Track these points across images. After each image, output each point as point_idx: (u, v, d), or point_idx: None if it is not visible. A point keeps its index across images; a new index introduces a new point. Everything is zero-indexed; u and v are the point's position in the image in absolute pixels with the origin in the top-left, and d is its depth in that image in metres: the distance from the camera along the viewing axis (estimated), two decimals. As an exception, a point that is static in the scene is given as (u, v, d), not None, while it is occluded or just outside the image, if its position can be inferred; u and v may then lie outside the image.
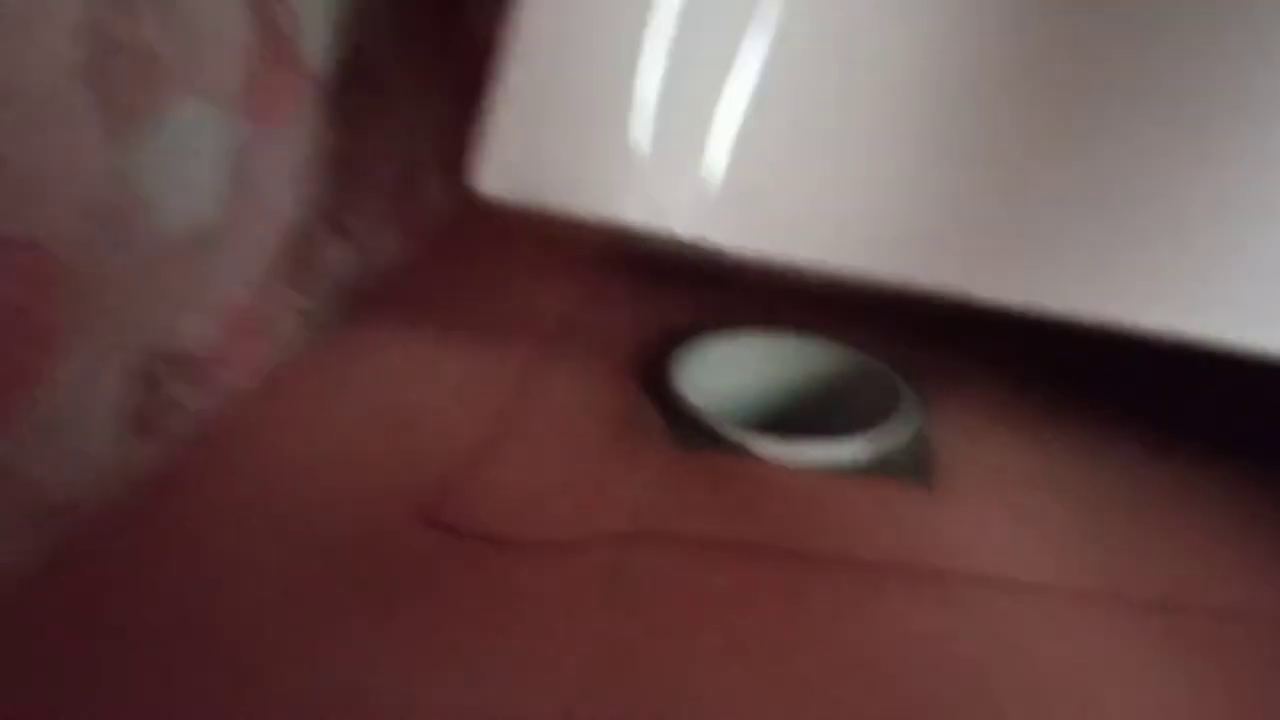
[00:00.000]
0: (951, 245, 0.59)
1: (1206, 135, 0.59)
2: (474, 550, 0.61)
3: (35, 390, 0.55)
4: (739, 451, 0.72)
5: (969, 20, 0.60)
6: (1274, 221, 0.59)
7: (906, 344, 0.87)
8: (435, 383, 0.78)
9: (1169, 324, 0.58)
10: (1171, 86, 0.60)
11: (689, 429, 0.74)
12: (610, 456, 0.71)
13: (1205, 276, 0.58)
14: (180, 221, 0.65)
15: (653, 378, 0.79)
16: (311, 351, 0.81)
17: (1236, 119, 0.59)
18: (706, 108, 0.60)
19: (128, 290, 0.62)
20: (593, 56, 0.59)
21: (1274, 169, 0.59)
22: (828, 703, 0.52)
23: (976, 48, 0.60)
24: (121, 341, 0.62)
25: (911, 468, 0.72)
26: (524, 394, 0.76)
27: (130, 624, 0.54)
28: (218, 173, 0.68)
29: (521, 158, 0.60)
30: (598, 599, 0.58)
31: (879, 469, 0.71)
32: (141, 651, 0.52)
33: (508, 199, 0.61)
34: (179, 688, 0.50)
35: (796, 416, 0.80)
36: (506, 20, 0.62)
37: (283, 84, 0.74)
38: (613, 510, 0.65)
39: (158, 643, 0.53)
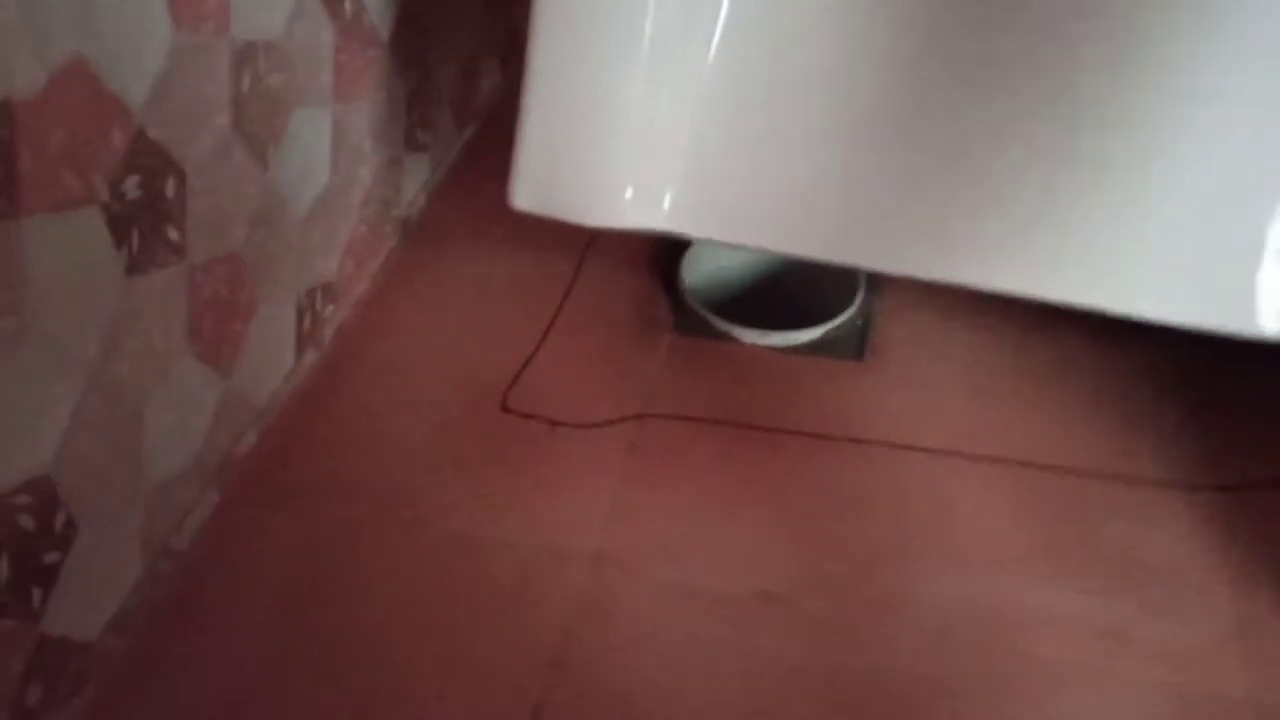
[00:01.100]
0: (873, 229, 0.80)
1: (1076, 125, 0.77)
2: (534, 429, 0.90)
3: (241, 340, 0.83)
4: (726, 337, 0.97)
5: (878, 34, 0.78)
6: (1145, 195, 0.77)
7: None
8: (501, 285, 1.04)
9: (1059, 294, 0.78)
10: (1055, 78, 0.77)
11: (690, 319, 0.99)
12: (631, 345, 0.97)
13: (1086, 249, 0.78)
14: (308, 199, 0.90)
15: (666, 278, 1.03)
16: (405, 253, 1.07)
17: (1107, 108, 0.77)
18: (673, 135, 0.80)
19: (285, 260, 0.88)
20: (590, 101, 0.79)
21: (1141, 151, 0.77)
22: (772, 540, 0.82)
23: (878, 62, 0.78)
24: (288, 293, 0.89)
25: (853, 346, 0.96)
26: (569, 295, 1.01)
27: (316, 460, 0.85)
28: (325, 152, 0.91)
29: (541, 183, 0.82)
30: (619, 465, 0.87)
31: (829, 348, 0.96)
32: (336, 464, 0.84)
33: (537, 213, 0.84)
34: (361, 495, 0.82)
35: (778, 303, 1.04)
36: (523, 70, 0.81)
37: (361, 61, 0.95)
38: (631, 394, 0.93)
39: (339, 463, 0.84)
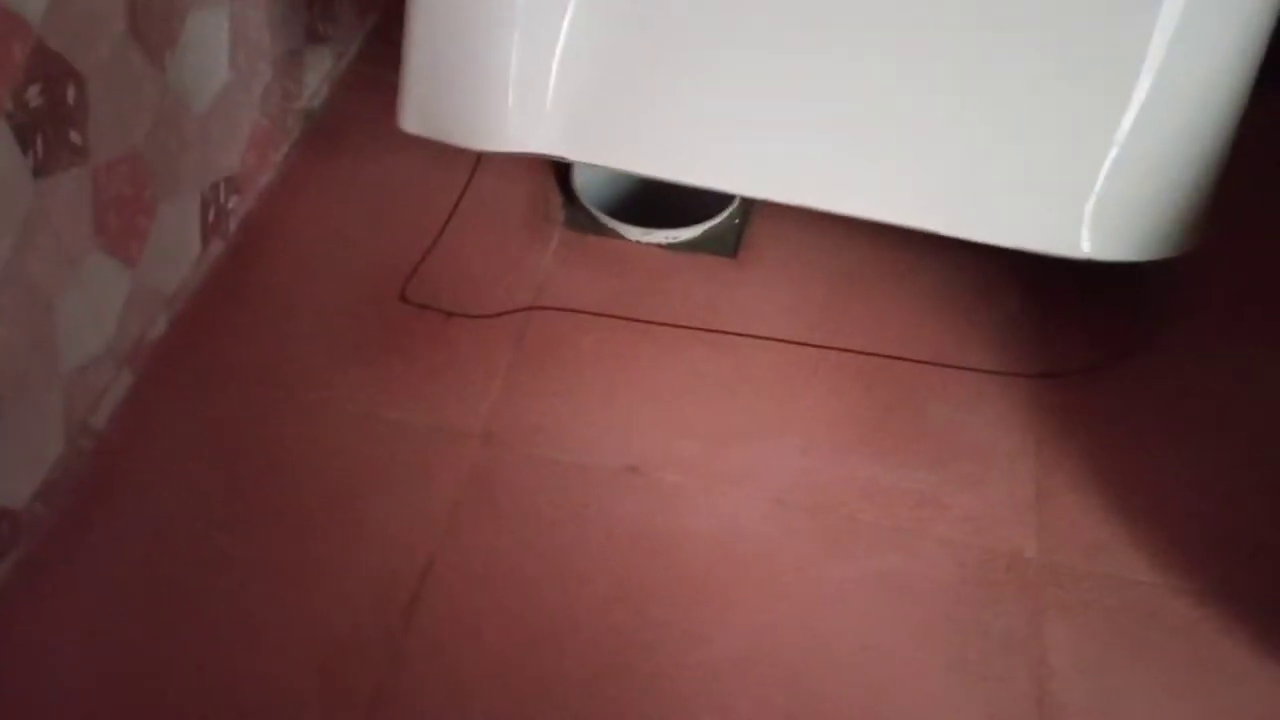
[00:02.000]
0: (738, 157, 0.87)
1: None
2: (430, 319, 0.97)
3: (147, 234, 0.88)
4: (613, 234, 1.05)
5: None
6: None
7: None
8: (399, 176, 1.09)
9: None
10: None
11: (580, 216, 1.06)
12: (525, 240, 1.04)
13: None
14: (208, 96, 0.94)
15: (559, 176, 1.09)
16: (307, 145, 1.11)
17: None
18: (551, 62, 0.86)
19: (187, 156, 0.92)
20: (469, 29, 0.84)
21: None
22: (639, 421, 0.91)
23: None
24: (192, 187, 0.94)
25: (729, 245, 1.05)
26: (466, 190, 1.07)
27: (224, 344, 0.92)
28: (224, 49, 0.95)
29: (426, 107, 0.87)
30: (508, 353, 0.96)
31: (706, 246, 1.05)
32: (243, 349, 0.91)
33: (424, 135, 0.89)
34: (266, 378, 0.90)
35: (662, 202, 1.11)
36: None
37: (263, -44, 0.97)
38: (523, 287, 1.00)
39: (246, 347, 0.92)
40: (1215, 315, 1.00)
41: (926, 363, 0.96)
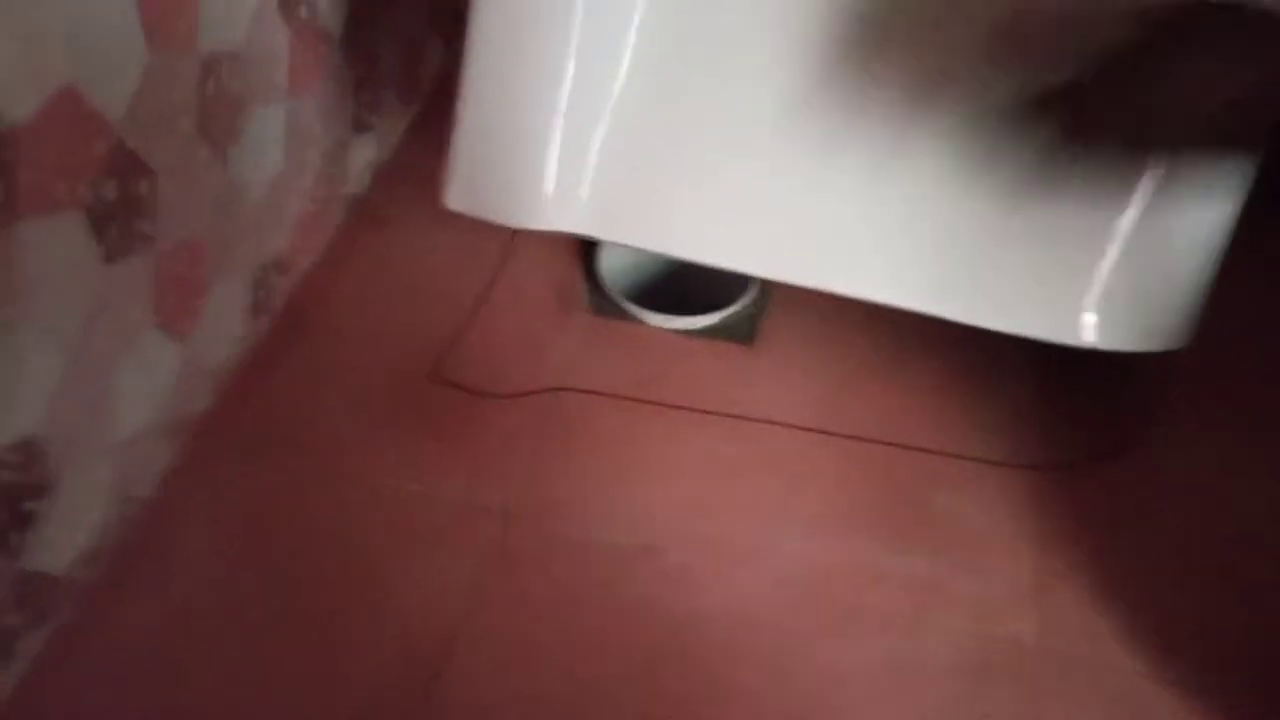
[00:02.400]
0: (762, 241, 0.93)
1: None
2: (459, 398, 1.03)
3: (200, 313, 0.95)
4: (635, 319, 1.10)
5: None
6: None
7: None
8: (436, 258, 1.15)
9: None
10: None
11: (604, 302, 1.12)
12: (551, 323, 1.10)
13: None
14: (262, 185, 1.01)
15: (585, 263, 1.15)
16: (351, 228, 1.18)
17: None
18: (590, 150, 0.92)
19: (241, 240, 0.99)
20: (516, 117, 0.91)
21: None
22: (657, 502, 0.96)
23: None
24: (243, 268, 1.00)
25: (745, 332, 1.10)
26: (497, 275, 1.13)
27: (264, 419, 0.97)
28: (279, 142, 1.02)
29: (471, 186, 0.94)
30: (532, 432, 1.01)
31: (724, 332, 1.10)
32: (282, 423, 0.96)
33: (467, 213, 0.96)
34: (302, 451, 0.95)
35: (683, 290, 1.17)
36: (458, 79, 0.92)
37: (313, 58, 1.05)
38: (548, 369, 1.06)
39: (285, 422, 0.97)
40: (1209, 413, 1.04)
41: (932, 451, 1.00)
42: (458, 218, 1.18)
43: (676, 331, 1.10)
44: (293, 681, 0.84)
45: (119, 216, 0.79)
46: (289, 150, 1.04)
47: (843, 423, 1.02)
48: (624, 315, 1.11)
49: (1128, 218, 0.90)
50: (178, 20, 0.81)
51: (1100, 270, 0.91)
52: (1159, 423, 1.03)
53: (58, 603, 0.85)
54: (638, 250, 1.17)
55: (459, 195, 0.95)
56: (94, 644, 0.85)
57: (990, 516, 0.96)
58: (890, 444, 1.01)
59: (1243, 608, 0.90)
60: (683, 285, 1.17)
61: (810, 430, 1.01)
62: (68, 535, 0.85)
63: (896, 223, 0.93)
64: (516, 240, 1.16)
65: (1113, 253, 0.91)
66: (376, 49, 1.18)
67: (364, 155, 1.22)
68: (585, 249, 1.16)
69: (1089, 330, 0.92)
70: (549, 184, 0.93)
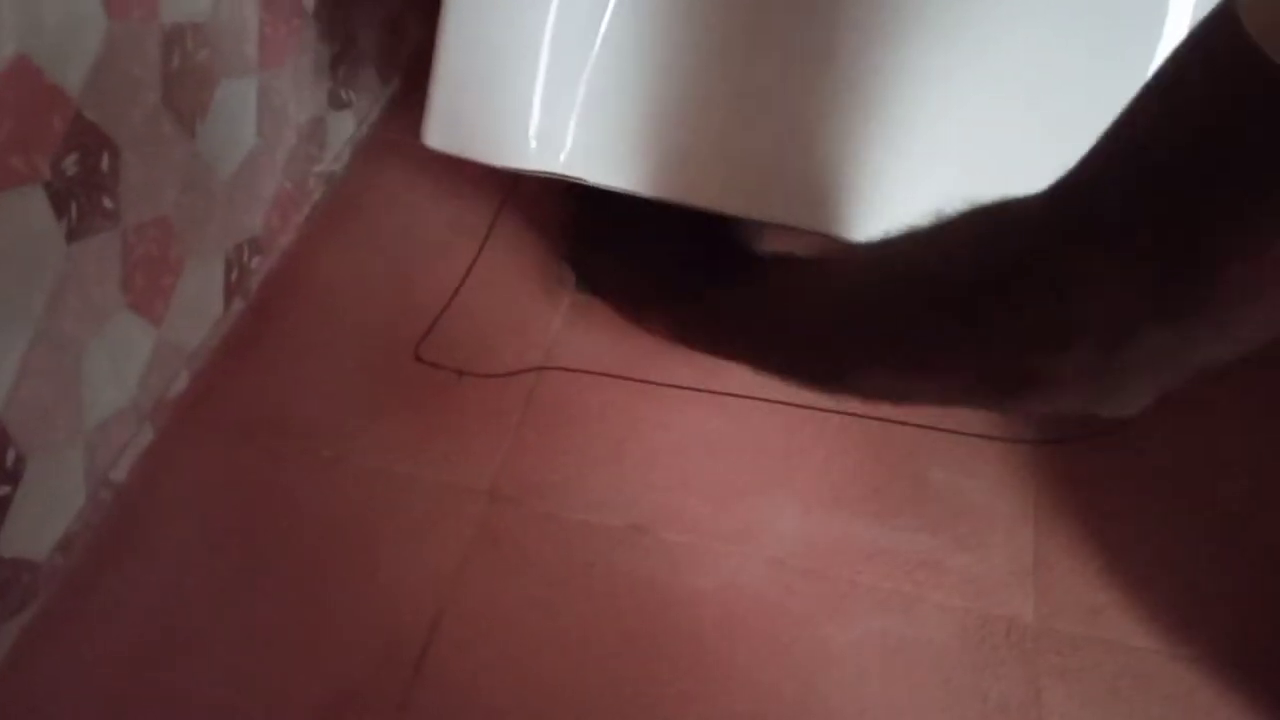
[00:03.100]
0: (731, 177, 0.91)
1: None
2: (443, 378, 1.00)
3: (171, 293, 0.92)
4: (621, 296, 1.08)
5: None
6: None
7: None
8: (418, 240, 1.12)
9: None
10: None
11: (590, 278, 1.09)
12: (537, 302, 1.07)
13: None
14: (234, 162, 0.97)
15: (570, 238, 1.13)
16: (329, 206, 1.15)
17: None
18: (576, 87, 0.90)
19: (213, 219, 0.96)
20: (499, 51, 0.88)
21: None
22: (644, 480, 0.93)
23: None
24: (216, 248, 0.98)
25: (736, 308, 1.08)
26: (481, 252, 1.10)
27: (243, 401, 0.95)
28: (251, 117, 0.99)
29: (452, 124, 0.90)
30: (517, 412, 0.98)
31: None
32: (261, 405, 0.94)
33: (447, 151, 0.93)
34: (283, 433, 0.92)
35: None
36: (439, 14, 0.89)
37: (286, 30, 1.02)
38: (533, 347, 1.03)
39: (264, 404, 0.94)
40: (1212, 388, 1.02)
41: (928, 427, 0.98)
42: (439, 196, 1.16)
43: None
44: (279, 663, 0.82)
45: (81, 193, 0.77)
46: (262, 126, 1.01)
47: (835, 399, 1.00)
48: (611, 292, 1.08)
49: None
50: (138, -13, 0.78)
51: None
52: (1161, 396, 1.00)
53: (36, 589, 0.82)
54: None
55: (439, 132, 0.91)
56: (75, 630, 0.83)
57: (988, 493, 0.94)
58: (885, 420, 0.98)
59: (1253, 577, 0.88)
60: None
61: (802, 406, 0.99)
62: (44, 521, 0.82)
63: (885, 163, 0.89)
64: (502, 216, 1.13)
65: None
66: (353, 24, 1.15)
67: (342, 132, 1.18)
68: (573, 225, 1.13)
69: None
70: (534, 122, 0.90)
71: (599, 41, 0.90)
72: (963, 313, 0.54)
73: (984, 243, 0.55)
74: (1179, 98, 0.45)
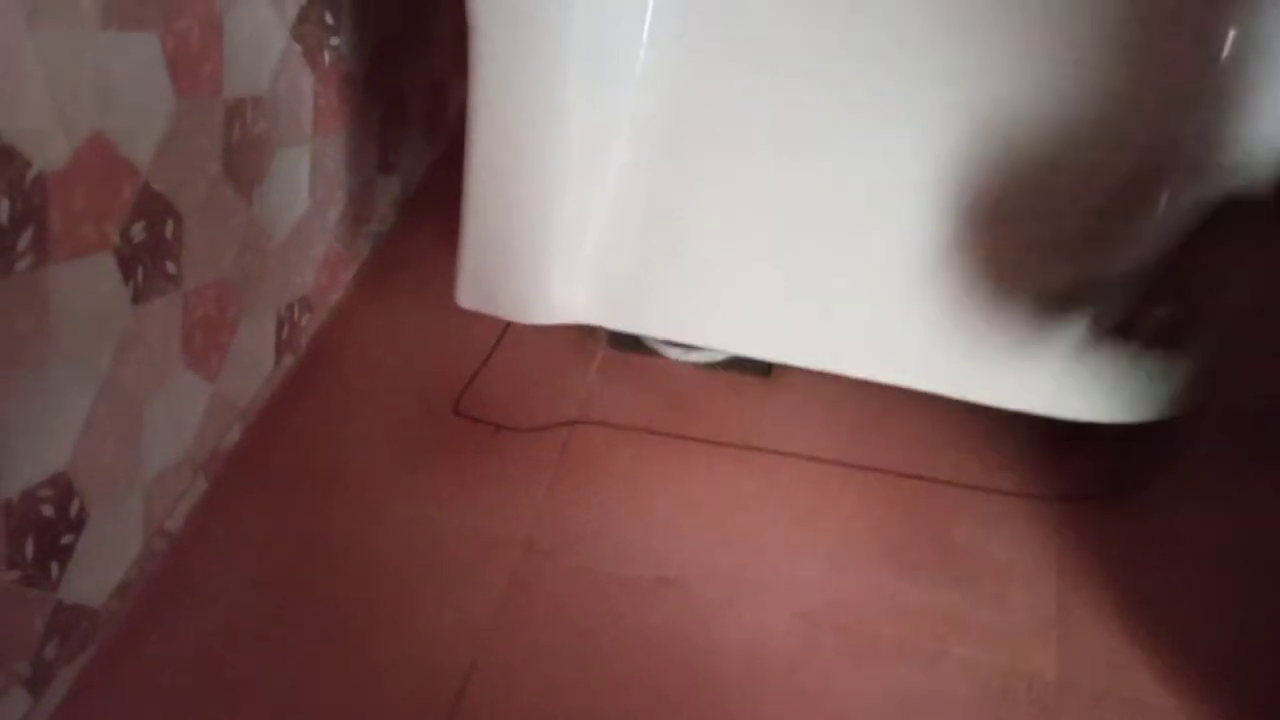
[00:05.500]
0: (757, 327, 0.95)
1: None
2: (481, 431, 1.04)
3: (227, 350, 0.97)
4: (653, 352, 1.11)
5: None
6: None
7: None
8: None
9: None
10: None
11: (623, 335, 1.13)
12: (571, 357, 1.12)
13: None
14: (288, 224, 1.03)
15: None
16: (376, 264, 1.20)
17: None
18: (590, 248, 0.94)
19: (267, 279, 1.01)
20: (517, 220, 0.93)
21: None
22: (674, 533, 0.96)
23: None
24: (269, 306, 1.03)
25: (762, 365, 1.11)
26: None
27: (291, 453, 0.99)
28: (304, 182, 1.04)
29: (480, 286, 0.97)
30: (552, 464, 1.02)
31: (741, 365, 1.11)
32: (308, 457, 0.98)
33: (479, 310, 0.99)
34: (328, 483, 0.97)
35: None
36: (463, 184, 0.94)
37: (338, 100, 1.08)
38: (567, 402, 1.07)
39: (311, 455, 0.98)
40: (1233, 446, 1.03)
41: (951, 483, 1.00)
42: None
43: (694, 364, 1.11)
44: (321, 706, 0.85)
45: (146, 258, 0.82)
46: (314, 190, 1.06)
47: (861, 455, 1.02)
48: (643, 349, 1.12)
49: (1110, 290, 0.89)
50: (203, 67, 0.84)
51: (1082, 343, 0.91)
52: (1181, 454, 1.01)
53: (94, 634, 0.87)
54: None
55: (469, 293, 0.99)
56: (129, 674, 0.87)
57: (1010, 548, 0.95)
58: (909, 476, 1.01)
59: (1272, 638, 0.88)
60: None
61: (828, 462, 1.01)
62: (103, 568, 0.87)
63: (891, 309, 0.94)
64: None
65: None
66: (400, 89, 1.21)
67: (389, 193, 1.24)
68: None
69: (1075, 405, 0.93)
70: (554, 281, 0.96)
71: (610, 201, 0.94)
72: None
73: None
74: None
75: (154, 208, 0.82)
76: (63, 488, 0.78)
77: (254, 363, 1.03)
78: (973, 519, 0.97)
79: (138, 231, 0.80)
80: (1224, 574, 0.93)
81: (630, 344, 1.12)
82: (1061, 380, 0.91)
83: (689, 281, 0.95)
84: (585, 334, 1.13)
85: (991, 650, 0.89)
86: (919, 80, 0.87)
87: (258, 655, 0.88)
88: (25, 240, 0.69)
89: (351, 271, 1.18)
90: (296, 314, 1.08)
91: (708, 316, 0.97)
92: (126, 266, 0.80)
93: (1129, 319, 0.89)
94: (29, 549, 0.77)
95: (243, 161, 0.92)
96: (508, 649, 0.89)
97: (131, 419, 0.86)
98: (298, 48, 0.98)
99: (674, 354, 1.11)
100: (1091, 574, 0.94)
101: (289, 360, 1.08)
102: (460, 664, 0.87)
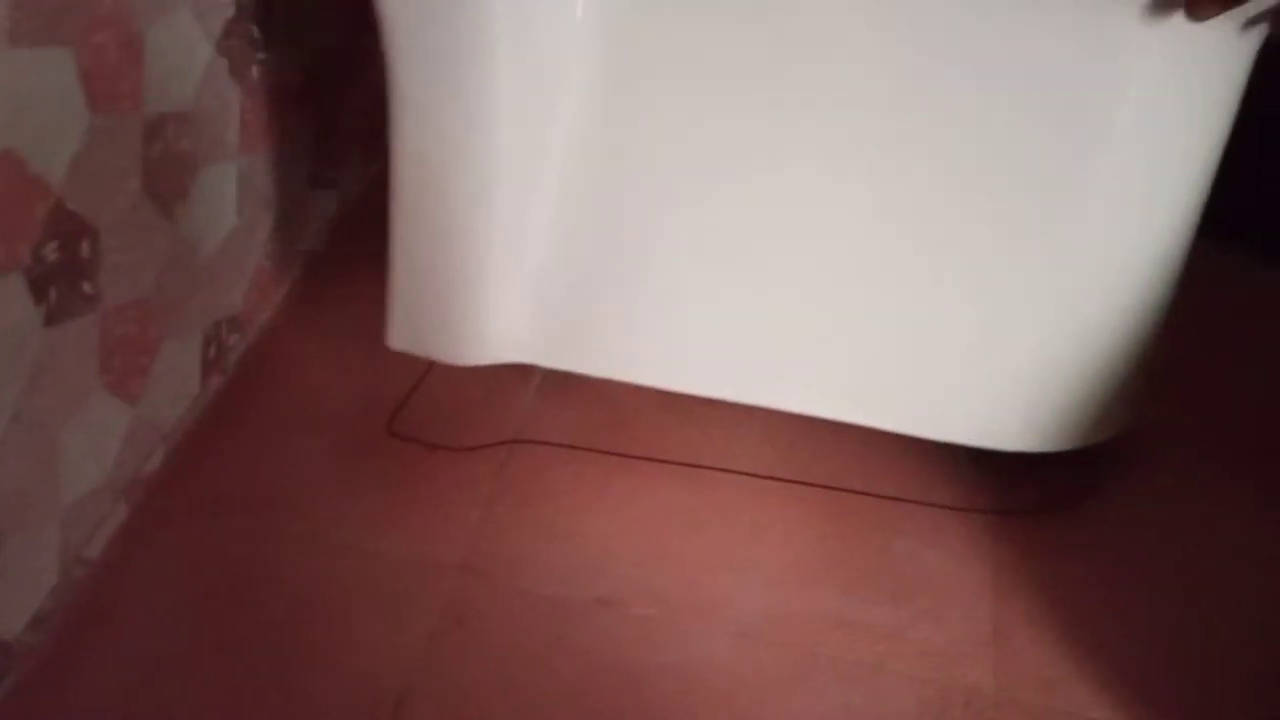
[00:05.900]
0: (695, 362, 0.94)
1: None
2: (415, 452, 1.02)
3: (149, 372, 0.94)
4: (593, 369, 1.10)
5: None
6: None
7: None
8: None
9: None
10: None
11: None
12: (509, 375, 1.10)
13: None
14: (214, 243, 1.00)
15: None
16: (307, 283, 1.18)
17: None
18: (523, 289, 0.92)
19: (192, 298, 0.98)
20: (445, 261, 0.92)
21: None
22: (612, 553, 0.95)
23: None
24: (195, 326, 1.00)
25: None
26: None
27: (218, 477, 0.96)
28: (231, 200, 1.02)
29: (411, 328, 0.96)
30: (488, 485, 1.00)
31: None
32: (235, 481, 0.95)
33: (412, 353, 0.97)
34: (257, 508, 0.94)
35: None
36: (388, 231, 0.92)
37: (268, 116, 1.05)
38: (505, 421, 1.06)
39: (238, 480, 0.96)
40: (1169, 461, 1.05)
41: (891, 498, 1.00)
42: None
43: (634, 382, 1.10)
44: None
45: (60, 278, 0.79)
46: (242, 207, 1.04)
47: (800, 471, 1.02)
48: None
49: (1048, 317, 0.90)
50: (121, 83, 0.81)
51: (1022, 374, 0.92)
52: (1119, 469, 1.03)
53: (9, 668, 0.83)
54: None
55: (400, 335, 0.97)
56: (45, 710, 0.83)
57: (949, 563, 0.95)
58: (850, 491, 1.01)
59: (1200, 656, 0.89)
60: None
61: (769, 478, 1.01)
62: (18, 599, 0.84)
63: (829, 343, 0.93)
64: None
65: (1034, 354, 0.91)
66: (336, 104, 1.19)
67: (323, 210, 1.22)
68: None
69: (1016, 436, 0.94)
70: (487, 322, 0.94)
71: (543, 237, 0.92)
72: None
73: None
74: None
75: (68, 226, 0.79)
76: (-29, 518, 0.75)
77: (179, 384, 1.00)
78: (913, 534, 0.97)
79: (50, 251, 0.77)
80: (1160, 588, 0.94)
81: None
82: (995, 412, 0.92)
83: (637, 318, 0.94)
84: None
85: (930, 666, 0.88)
86: (879, 117, 0.85)
87: (181, 688, 0.85)
88: (-74, 261, 0.66)
89: (283, 290, 1.16)
90: (225, 334, 1.06)
91: (659, 356, 0.96)
92: (38, 287, 0.77)
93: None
94: (-66, 583, 0.73)
95: (165, 178, 0.90)
96: (442, 677, 0.87)
97: (46, 445, 0.82)
98: (224, 63, 0.96)
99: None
100: (1028, 588, 0.94)
101: (217, 381, 1.06)
102: (392, 693, 0.85)
